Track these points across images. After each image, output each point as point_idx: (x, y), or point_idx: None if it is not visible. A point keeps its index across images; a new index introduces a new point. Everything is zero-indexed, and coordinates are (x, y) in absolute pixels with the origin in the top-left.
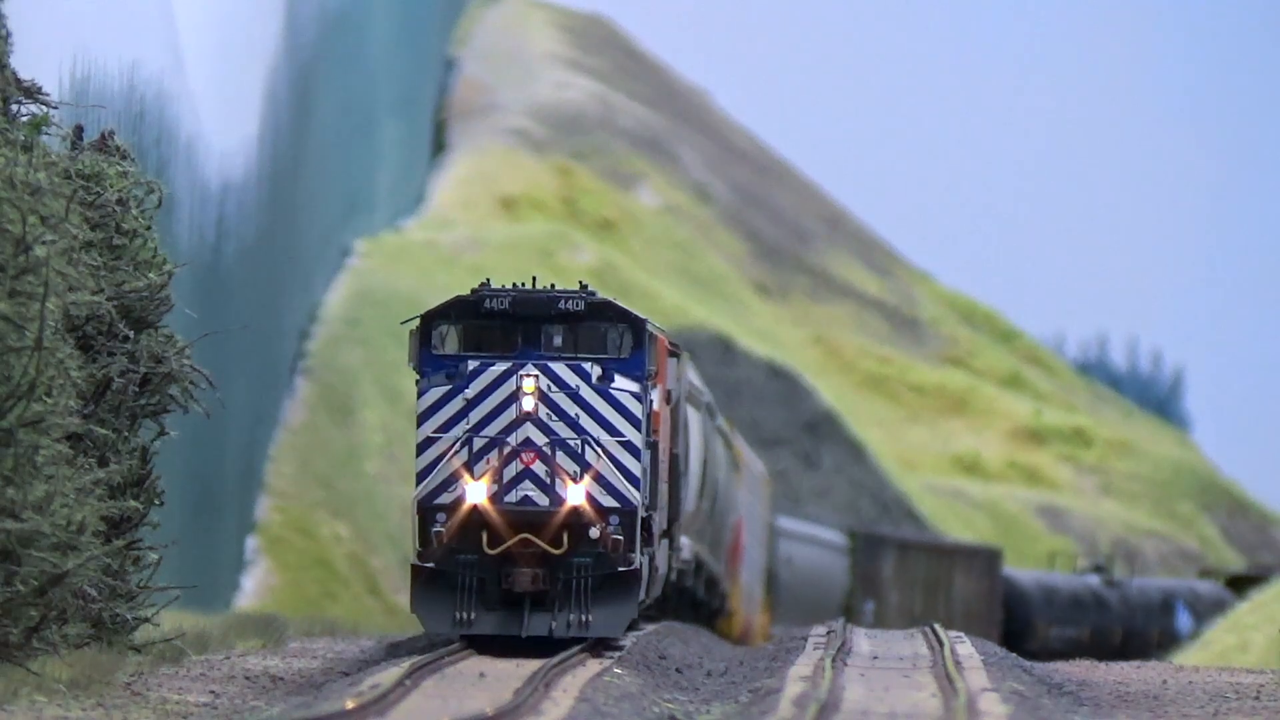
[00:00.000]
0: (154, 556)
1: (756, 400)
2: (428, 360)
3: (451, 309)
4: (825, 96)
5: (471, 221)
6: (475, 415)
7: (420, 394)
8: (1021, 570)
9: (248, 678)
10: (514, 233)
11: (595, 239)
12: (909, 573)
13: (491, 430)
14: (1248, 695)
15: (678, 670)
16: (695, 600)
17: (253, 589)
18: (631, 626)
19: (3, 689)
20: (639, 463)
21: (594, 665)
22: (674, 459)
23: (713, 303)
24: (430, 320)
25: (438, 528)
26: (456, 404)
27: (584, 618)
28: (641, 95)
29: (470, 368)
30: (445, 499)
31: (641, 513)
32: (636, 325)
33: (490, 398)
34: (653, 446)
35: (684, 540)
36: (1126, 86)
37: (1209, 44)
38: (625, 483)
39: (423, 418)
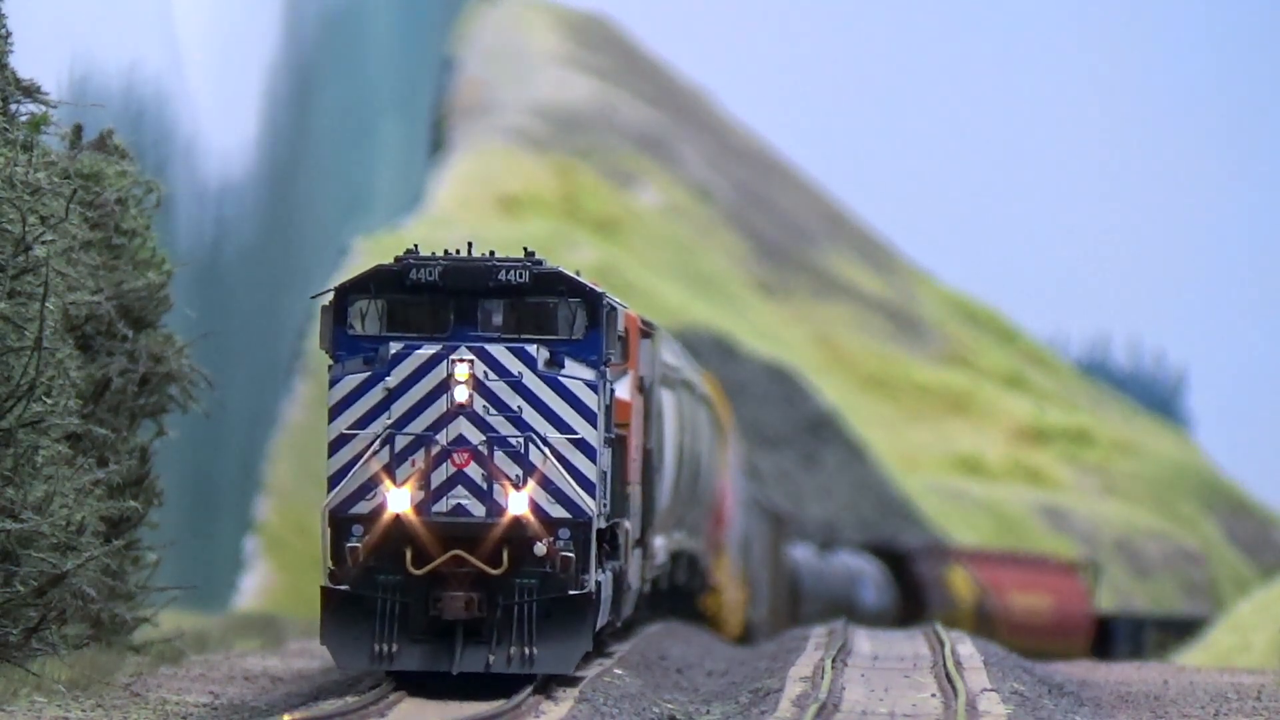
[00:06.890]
0: (153, 557)
1: (758, 400)
2: (343, 342)
3: (371, 281)
4: (826, 96)
5: (471, 220)
6: (398, 408)
7: (333, 382)
8: (791, 543)
9: (247, 678)
10: (514, 232)
11: (596, 238)
12: (768, 547)
13: (417, 426)
14: (1248, 696)
15: (678, 670)
16: (673, 586)
17: (252, 589)
18: (587, 658)
19: (3, 689)
20: (594, 465)
21: (592, 668)
22: (647, 454)
23: (714, 302)
24: (346, 294)
25: (353, 543)
26: (376, 394)
27: (527, 651)
28: (642, 94)
29: (392, 351)
30: (362, 508)
31: (598, 523)
32: (592, 301)
33: (416, 387)
34: (622, 443)
35: (658, 541)
36: (1128, 85)
37: (1210, 43)
38: (577, 489)
39: (335, 411)
